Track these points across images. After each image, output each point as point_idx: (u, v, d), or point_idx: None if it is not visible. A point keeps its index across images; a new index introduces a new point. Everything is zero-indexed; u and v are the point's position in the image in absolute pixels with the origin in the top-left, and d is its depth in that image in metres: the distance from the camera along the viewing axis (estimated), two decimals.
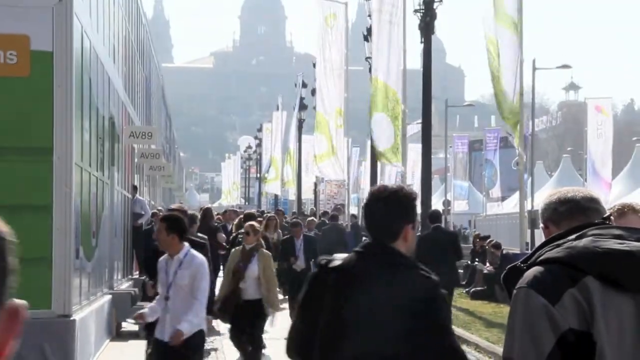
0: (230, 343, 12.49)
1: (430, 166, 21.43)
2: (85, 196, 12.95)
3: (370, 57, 23.73)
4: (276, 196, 54.32)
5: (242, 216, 18.16)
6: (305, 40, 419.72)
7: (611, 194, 31.49)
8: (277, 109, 50.14)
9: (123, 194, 19.56)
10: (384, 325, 3.72)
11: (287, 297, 17.76)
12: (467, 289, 23.56)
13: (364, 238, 18.71)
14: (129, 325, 15.37)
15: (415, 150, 33.24)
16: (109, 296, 14.98)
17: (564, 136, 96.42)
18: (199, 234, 16.26)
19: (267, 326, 12.62)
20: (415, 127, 35.34)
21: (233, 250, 12.16)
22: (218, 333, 15.20)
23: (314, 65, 36.45)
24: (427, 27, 20.36)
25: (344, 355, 3.82)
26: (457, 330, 16.24)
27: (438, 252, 14.32)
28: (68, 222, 10.63)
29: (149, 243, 17.57)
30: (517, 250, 20.68)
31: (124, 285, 17.61)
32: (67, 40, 11.14)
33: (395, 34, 21.03)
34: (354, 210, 36.25)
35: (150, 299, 9.38)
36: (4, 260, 1.24)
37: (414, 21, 20.96)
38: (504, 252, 23.17)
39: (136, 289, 16.65)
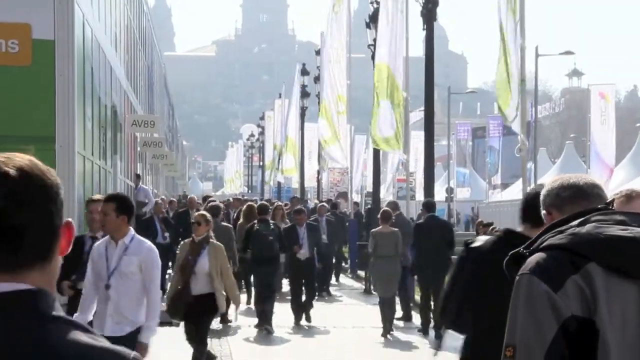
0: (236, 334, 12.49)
1: (432, 153, 21.36)
2: (88, 185, 12.95)
3: (372, 45, 23.66)
4: (279, 184, 54.28)
5: (248, 205, 18.11)
6: (308, 28, 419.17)
7: (614, 180, 31.45)
8: (280, 97, 50.08)
9: (126, 182, 19.56)
10: None
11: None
12: None
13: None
14: None
15: (417, 138, 33.20)
16: None
17: (567, 123, 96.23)
18: (224, 224, 16.43)
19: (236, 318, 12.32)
20: (417, 115, 35.29)
21: (182, 243, 11.31)
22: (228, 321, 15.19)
23: (317, 52, 36.37)
24: (429, 13, 20.28)
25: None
26: None
27: (432, 240, 14.57)
28: (71, 211, 10.63)
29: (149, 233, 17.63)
30: None
31: None
32: (69, 28, 11.13)
33: (399, 20, 20.98)
34: (356, 198, 36.22)
35: (73, 307, 7.77)
36: (58, 195, 1.80)
37: (416, 8, 20.91)
38: None
39: None
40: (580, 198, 3.22)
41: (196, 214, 11.69)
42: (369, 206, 28.79)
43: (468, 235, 32.46)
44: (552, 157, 63.77)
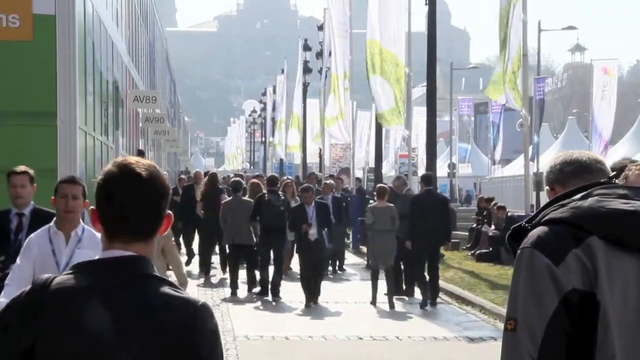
0: (235, 305, 12.49)
1: (435, 129, 21.33)
2: (90, 160, 12.94)
3: None
4: (281, 160, 54.23)
5: (252, 182, 18.06)
6: (309, 2, 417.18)
7: (615, 155, 31.41)
8: (282, 72, 49.92)
9: None
10: None
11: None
12: (472, 251, 23.59)
13: (370, 201, 18.69)
14: None
15: (420, 114, 33.13)
16: None
17: (569, 98, 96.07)
18: (245, 198, 16.55)
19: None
20: (420, 90, 35.20)
21: None
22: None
23: (319, 28, 36.23)
24: None
25: None
26: (463, 292, 16.29)
27: (429, 213, 14.84)
28: None
29: None
30: (522, 213, 20.68)
31: None
32: (70, 3, 11.08)
33: None
34: (359, 173, 36.21)
35: None
36: (168, 195, 2.60)
37: None
38: (509, 214, 23.18)
39: None
40: (583, 173, 3.22)
41: None
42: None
43: (469, 211, 32.46)
44: (555, 132, 63.67)
